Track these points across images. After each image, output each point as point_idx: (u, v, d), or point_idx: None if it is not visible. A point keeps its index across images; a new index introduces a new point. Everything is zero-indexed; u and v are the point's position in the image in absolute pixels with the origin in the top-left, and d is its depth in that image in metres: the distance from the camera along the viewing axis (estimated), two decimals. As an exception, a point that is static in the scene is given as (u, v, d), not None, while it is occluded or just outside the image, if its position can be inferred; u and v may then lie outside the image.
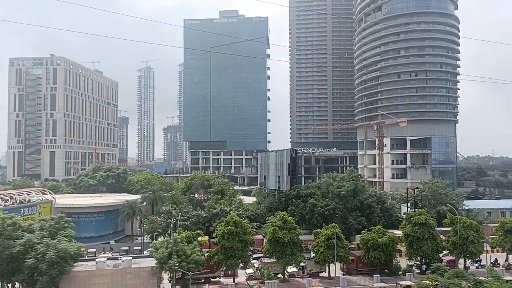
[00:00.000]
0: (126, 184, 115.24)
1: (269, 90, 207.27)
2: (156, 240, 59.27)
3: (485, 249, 53.54)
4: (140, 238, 69.87)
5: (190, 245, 45.85)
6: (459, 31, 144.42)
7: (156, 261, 43.43)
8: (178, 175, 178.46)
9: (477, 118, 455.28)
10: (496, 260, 57.19)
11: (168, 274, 45.61)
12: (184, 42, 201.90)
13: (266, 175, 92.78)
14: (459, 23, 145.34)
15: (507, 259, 56.60)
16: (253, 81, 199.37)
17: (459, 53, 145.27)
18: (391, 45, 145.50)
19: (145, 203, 78.27)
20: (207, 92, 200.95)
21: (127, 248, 65.56)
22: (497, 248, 57.54)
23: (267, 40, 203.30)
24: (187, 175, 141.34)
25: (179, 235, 46.59)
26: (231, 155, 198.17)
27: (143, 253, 59.68)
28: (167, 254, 42.86)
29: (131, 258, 47.42)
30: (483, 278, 41.26)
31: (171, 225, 55.66)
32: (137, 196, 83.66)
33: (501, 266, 55.45)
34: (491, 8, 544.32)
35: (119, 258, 47.55)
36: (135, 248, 65.23)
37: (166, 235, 61.74)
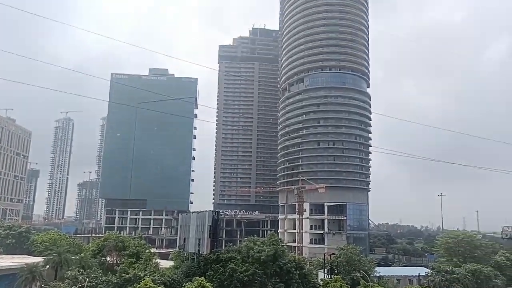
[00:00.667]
0: (29, 245, 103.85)
1: (194, 149, 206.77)
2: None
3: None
4: (38, 307, 62.12)
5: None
6: (371, 107, 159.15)
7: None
8: (90, 235, 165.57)
9: (387, 188, 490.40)
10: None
11: None
12: (109, 96, 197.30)
13: (186, 237, 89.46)
14: (371, 100, 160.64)
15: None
16: (179, 140, 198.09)
17: (371, 126, 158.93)
18: (312, 114, 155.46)
19: (48, 266, 70.55)
20: (130, 148, 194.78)
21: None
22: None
23: (195, 100, 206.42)
24: (100, 235, 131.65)
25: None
26: (150, 215, 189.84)
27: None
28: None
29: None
30: None
31: (76, 293, 50.46)
32: (40, 259, 75.27)
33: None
34: (398, 88, 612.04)
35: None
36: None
37: (69, 304, 55.69)
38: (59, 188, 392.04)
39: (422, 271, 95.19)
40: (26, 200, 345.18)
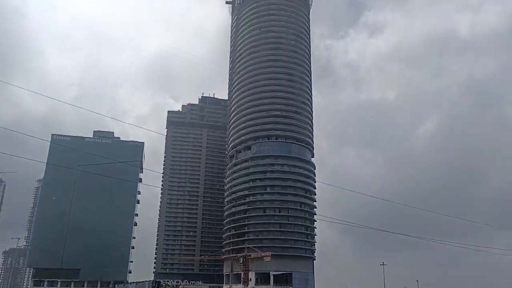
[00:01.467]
0: None
1: (137, 215, 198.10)
2: None
3: None
4: None
5: None
6: (315, 176, 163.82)
7: None
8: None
9: (332, 256, 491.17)
10: None
11: None
12: (48, 157, 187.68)
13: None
14: (315, 169, 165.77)
15: None
16: (120, 204, 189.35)
17: (316, 195, 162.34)
18: (258, 182, 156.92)
19: None
20: (65, 213, 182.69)
21: None
22: None
23: (141, 164, 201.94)
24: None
25: None
26: (83, 287, 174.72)
27: None
28: None
29: None
30: None
31: None
32: None
33: None
34: (341, 157, 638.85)
35: None
36: None
37: None
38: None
39: None
40: None
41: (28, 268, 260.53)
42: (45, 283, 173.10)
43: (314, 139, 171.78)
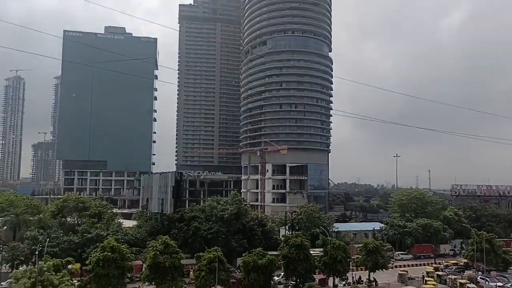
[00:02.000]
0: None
1: (155, 111, 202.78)
2: (17, 269, 52.47)
3: (351, 267, 58.85)
4: (-3, 268, 61.05)
5: (58, 274, 41.64)
6: (332, 71, 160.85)
7: (16, 293, 38.37)
8: (48, 196, 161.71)
9: (347, 149, 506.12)
10: (359, 277, 63.26)
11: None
12: (62, 54, 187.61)
13: (149, 198, 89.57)
14: (332, 64, 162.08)
15: (368, 277, 62.95)
16: (138, 101, 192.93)
17: (332, 90, 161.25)
18: (274, 77, 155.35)
19: (5, 227, 68.94)
20: (87, 109, 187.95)
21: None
22: (361, 266, 63.75)
23: (155, 61, 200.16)
24: (59, 196, 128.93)
25: (45, 264, 41.99)
26: (111, 176, 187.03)
27: (1, 285, 52.24)
28: (29, 285, 38.19)
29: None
30: (348, 294, 45.29)
31: (36, 252, 49.89)
32: (-4, 220, 73.28)
33: (364, 283, 61.49)
34: (360, 51, 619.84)
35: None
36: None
37: (30, 263, 55.14)
38: (12, 149, 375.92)
39: (377, 225, 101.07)
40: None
41: (57, 160, 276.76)
42: (75, 173, 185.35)
43: (332, 33, 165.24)
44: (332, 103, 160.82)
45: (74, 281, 45.59)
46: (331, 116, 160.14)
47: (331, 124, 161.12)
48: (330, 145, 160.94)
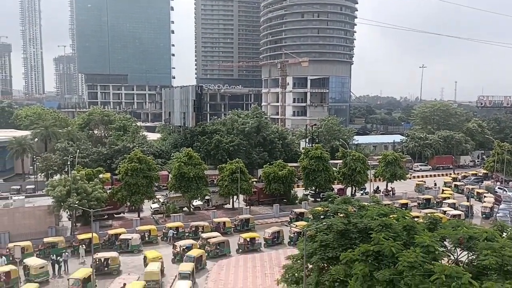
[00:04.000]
0: (13, 119, 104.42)
1: (173, 22, 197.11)
2: (52, 178, 55.93)
3: (369, 178, 60.31)
4: (33, 177, 65.21)
5: (90, 182, 44.17)
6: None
7: (53, 200, 41.29)
8: (74, 110, 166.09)
9: (370, 60, 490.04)
10: (377, 187, 65.11)
11: (67, 212, 43.88)
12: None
13: (171, 112, 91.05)
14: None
15: (386, 187, 64.68)
16: (155, 11, 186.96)
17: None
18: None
19: (36, 139, 72.07)
20: (103, 21, 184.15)
21: (19, 187, 61.01)
22: (379, 177, 65.25)
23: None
24: (84, 110, 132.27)
25: (78, 173, 44.41)
26: (133, 90, 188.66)
27: (37, 192, 56.07)
28: (65, 192, 40.86)
29: (23, 197, 44.23)
30: (366, 203, 46.90)
31: (69, 163, 52.60)
32: (27, 132, 76.45)
33: (381, 193, 63.43)
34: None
35: (9, 198, 44.26)
36: (28, 187, 61.03)
37: (63, 173, 58.48)
38: (34, 63, 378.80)
39: (398, 138, 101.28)
40: (2, 76, 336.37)
41: (80, 74, 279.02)
42: (98, 87, 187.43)
43: None
44: (357, 10, 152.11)
45: (106, 188, 48.51)
46: (355, 25, 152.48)
47: (355, 34, 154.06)
48: (353, 56, 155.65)
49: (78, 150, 60.96)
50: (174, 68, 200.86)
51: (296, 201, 57.12)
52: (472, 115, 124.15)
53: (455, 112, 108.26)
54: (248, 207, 54.01)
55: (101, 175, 48.92)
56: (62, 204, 40.74)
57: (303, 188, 60.10)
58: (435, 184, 67.87)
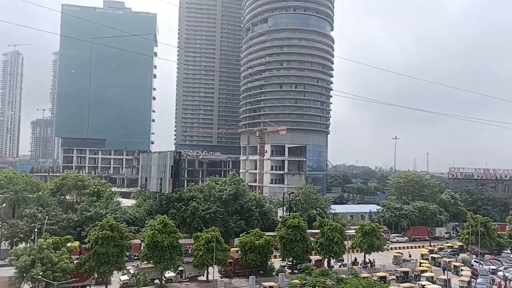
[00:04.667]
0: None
1: (155, 89, 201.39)
2: (17, 246, 52.98)
3: (347, 249, 59.57)
4: (-4, 245, 61.62)
5: (57, 252, 42.03)
6: (333, 50, 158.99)
7: (16, 270, 38.82)
8: (47, 174, 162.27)
9: (346, 130, 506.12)
10: (355, 259, 64.08)
11: (29, 285, 41.11)
12: (61, 29, 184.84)
13: (148, 177, 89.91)
14: (334, 43, 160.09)
15: (364, 258, 63.76)
16: (138, 78, 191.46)
17: (333, 70, 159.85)
18: (275, 56, 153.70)
19: (4, 204, 69.24)
20: (85, 86, 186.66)
21: (-21, 256, 57.33)
22: (357, 248, 64.52)
23: (155, 37, 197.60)
24: (58, 174, 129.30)
25: (44, 241, 42.35)
26: (110, 155, 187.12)
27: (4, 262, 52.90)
28: (29, 262, 38.62)
29: (-17, 268, 41.36)
30: (344, 276, 45.88)
31: (36, 230, 50.28)
32: (-5, 197, 73.44)
33: (359, 265, 62.35)
34: (364, 30, 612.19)
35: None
36: (-10, 256, 57.46)
37: (29, 241, 55.63)
38: (11, 126, 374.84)
39: (374, 208, 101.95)
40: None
41: (56, 138, 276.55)
42: (74, 151, 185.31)
43: (336, 11, 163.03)
44: (332, 83, 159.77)
45: (73, 258, 46.08)
46: (331, 96, 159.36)
47: (331, 105, 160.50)
48: (329, 126, 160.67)
49: (47, 217, 58.64)
50: (153, 133, 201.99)
51: (273, 273, 55.36)
52: (444, 186, 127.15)
53: (428, 183, 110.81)
54: (223, 279, 51.90)
55: (69, 244, 46.78)
56: (24, 275, 38.29)
57: (280, 259, 58.58)
58: (410, 256, 67.50)
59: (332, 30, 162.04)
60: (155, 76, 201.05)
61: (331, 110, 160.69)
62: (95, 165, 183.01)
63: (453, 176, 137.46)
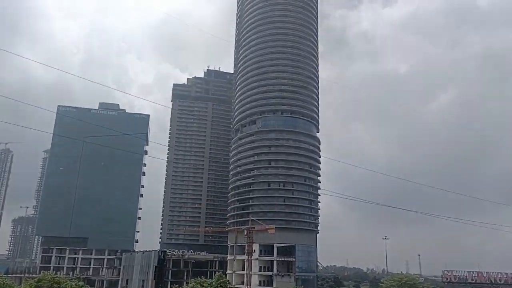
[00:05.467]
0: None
1: (143, 187, 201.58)
2: None
3: None
4: None
5: None
6: (320, 151, 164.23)
7: None
8: (22, 275, 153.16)
9: (335, 230, 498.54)
10: None
11: None
12: (54, 128, 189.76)
13: (129, 279, 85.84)
14: (320, 144, 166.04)
15: None
16: (127, 176, 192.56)
17: (320, 170, 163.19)
18: (263, 156, 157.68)
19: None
20: (73, 184, 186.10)
21: None
22: None
23: (146, 136, 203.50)
24: (34, 275, 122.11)
25: None
26: (91, 254, 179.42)
27: None
28: None
29: None
30: None
31: None
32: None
33: None
34: (348, 132, 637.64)
35: None
36: None
37: None
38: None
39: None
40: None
41: (37, 236, 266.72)
42: (54, 250, 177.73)
43: (322, 114, 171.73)
44: (320, 182, 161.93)
45: None
46: (319, 196, 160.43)
47: (319, 204, 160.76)
48: (318, 225, 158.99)
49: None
50: (138, 231, 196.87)
51: None
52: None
53: (422, 287, 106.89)
54: None
55: None
56: None
57: None
58: None
59: (318, 131, 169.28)
60: (144, 174, 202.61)
61: (319, 209, 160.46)
62: (74, 266, 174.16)
63: (447, 279, 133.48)
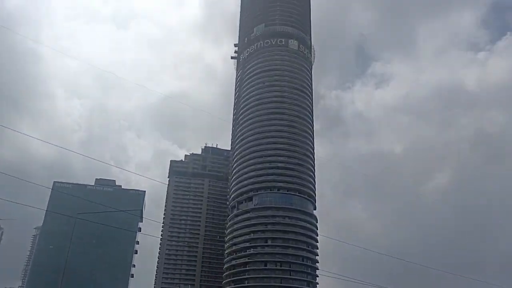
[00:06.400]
0: None
1: (134, 265, 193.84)
2: None
3: None
4: None
5: None
6: (317, 229, 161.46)
7: None
8: None
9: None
10: None
11: None
12: (48, 205, 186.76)
13: None
14: (317, 222, 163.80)
15: None
16: (118, 254, 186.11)
17: (318, 248, 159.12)
18: (260, 234, 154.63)
19: None
20: (61, 263, 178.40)
21: None
22: None
23: (141, 213, 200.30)
24: None
25: None
26: None
27: None
28: None
29: None
30: None
31: None
32: None
33: None
34: (346, 209, 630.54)
35: None
36: None
37: None
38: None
39: None
40: None
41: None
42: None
43: (318, 191, 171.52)
44: (318, 262, 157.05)
45: None
46: (317, 276, 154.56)
47: (317, 285, 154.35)
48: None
49: None
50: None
51: None
52: None
53: None
54: None
55: None
56: None
57: None
58: None
59: (315, 209, 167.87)
60: (136, 252, 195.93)
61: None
62: None
63: None
